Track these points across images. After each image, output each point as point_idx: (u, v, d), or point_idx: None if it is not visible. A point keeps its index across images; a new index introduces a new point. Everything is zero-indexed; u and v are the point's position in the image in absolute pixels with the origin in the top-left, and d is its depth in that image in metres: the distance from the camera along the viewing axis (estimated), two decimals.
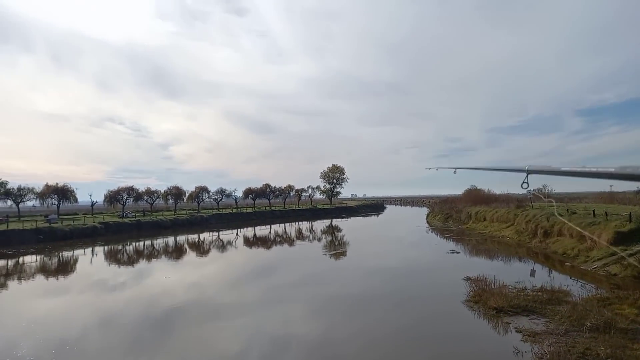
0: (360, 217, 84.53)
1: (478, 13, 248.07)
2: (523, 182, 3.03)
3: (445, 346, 11.30)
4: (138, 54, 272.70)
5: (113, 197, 67.61)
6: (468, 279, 18.52)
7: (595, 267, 20.28)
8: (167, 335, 12.74)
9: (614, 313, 12.39)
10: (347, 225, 63.39)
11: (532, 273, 20.08)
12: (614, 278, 18.31)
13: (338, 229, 56.88)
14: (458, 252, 28.67)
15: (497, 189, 63.29)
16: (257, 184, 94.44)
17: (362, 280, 20.63)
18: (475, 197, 59.04)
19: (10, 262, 29.95)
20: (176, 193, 74.49)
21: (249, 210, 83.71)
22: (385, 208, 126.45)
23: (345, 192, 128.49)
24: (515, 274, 19.82)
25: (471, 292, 16.00)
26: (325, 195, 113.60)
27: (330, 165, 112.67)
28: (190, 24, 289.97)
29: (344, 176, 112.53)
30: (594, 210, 27.89)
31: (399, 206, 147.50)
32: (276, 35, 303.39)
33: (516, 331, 11.75)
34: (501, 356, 10.14)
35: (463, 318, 13.66)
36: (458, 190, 76.24)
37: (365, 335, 12.25)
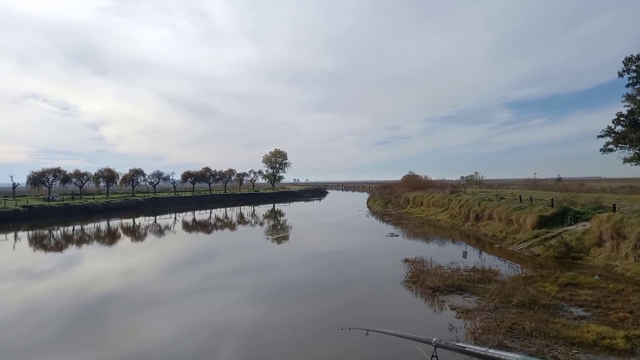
0: (303, 202, 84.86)
1: (411, 10, 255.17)
2: (432, 357, 2.88)
3: (383, 324, 11.57)
4: (65, 29, 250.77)
5: (37, 179, 62.55)
6: (406, 260, 19.14)
7: (521, 248, 21.74)
8: (96, 325, 12.01)
9: (537, 290, 13.32)
10: (290, 210, 63.39)
11: (465, 254, 21.22)
12: (537, 258, 19.71)
13: (280, 214, 56.73)
14: (397, 236, 29.59)
15: (434, 175, 66.29)
16: (196, 168, 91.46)
17: (302, 265, 20.68)
18: (412, 182, 61.19)
19: None
20: (108, 175, 70.28)
21: (188, 194, 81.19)
22: (327, 193, 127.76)
23: (288, 177, 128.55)
24: (449, 255, 20.76)
25: (409, 273, 16.54)
26: (267, 180, 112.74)
27: (273, 150, 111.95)
28: None
29: (287, 161, 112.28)
30: (520, 196, 29.86)
31: (341, 191, 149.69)
32: (216, 17, 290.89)
33: (451, 308, 12.29)
34: (437, 332, 10.56)
35: (401, 297, 14.09)
36: (397, 176, 78.71)
37: (301, 320, 12.26)
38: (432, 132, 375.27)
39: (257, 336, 10.93)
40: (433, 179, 61.55)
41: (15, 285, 17.63)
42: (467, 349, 2.47)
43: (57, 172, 64.25)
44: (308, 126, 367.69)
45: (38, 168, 70.21)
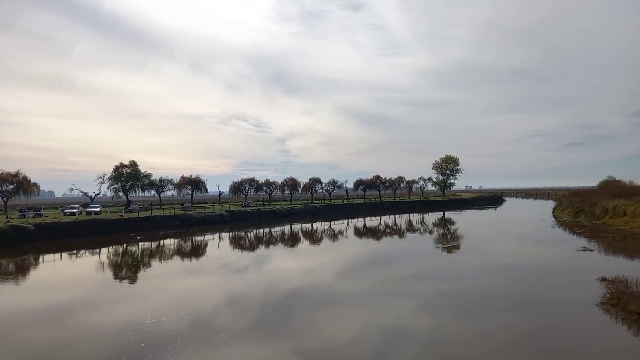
0: (476, 210, 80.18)
1: None
2: None
3: (581, 356, 10.20)
4: (263, 56, 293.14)
5: (237, 188, 73.97)
6: (604, 279, 16.50)
7: None
8: (285, 318, 13.58)
9: None
10: (461, 219, 60.65)
11: None
12: None
13: (451, 222, 54.75)
14: (591, 250, 25.67)
15: None
16: (368, 176, 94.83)
17: (478, 278, 19.58)
18: (613, 189, 51.96)
19: (153, 245, 34.50)
20: (292, 184, 78.65)
21: (359, 201, 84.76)
22: (504, 201, 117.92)
23: (460, 183, 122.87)
24: None
25: (607, 294, 14.26)
26: (437, 187, 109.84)
27: (444, 156, 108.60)
28: (310, 23, 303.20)
29: (458, 167, 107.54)
30: None
31: (520, 199, 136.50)
32: (391, 27, 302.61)
33: None
34: None
35: (598, 323, 12.27)
36: (590, 182, 67.82)
37: (484, 340, 11.39)
38: None
39: (433, 346, 10.87)
40: None
41: (221, 278, 21.16)
42: None
43: (252, 182, 74.92)
44: (486, 130, 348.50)
45: (237, 178, 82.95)
